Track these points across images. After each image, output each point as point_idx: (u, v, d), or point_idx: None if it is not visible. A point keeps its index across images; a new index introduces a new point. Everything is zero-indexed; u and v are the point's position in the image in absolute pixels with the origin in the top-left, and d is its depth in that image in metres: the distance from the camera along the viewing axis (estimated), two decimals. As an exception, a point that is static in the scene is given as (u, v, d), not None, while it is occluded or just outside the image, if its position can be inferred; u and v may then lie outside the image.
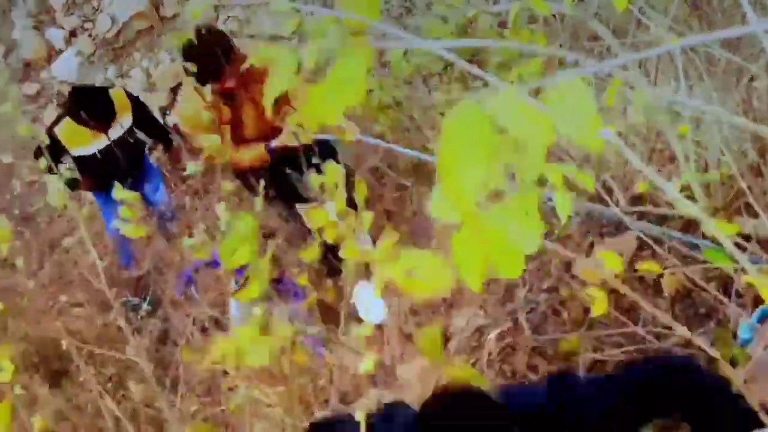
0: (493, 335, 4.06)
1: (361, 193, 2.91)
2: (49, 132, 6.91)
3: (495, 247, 1.18)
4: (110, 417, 3.59)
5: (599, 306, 2.31)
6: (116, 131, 7.00)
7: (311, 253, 2.92)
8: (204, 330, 4.95)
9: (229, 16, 10.79)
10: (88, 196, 8.13)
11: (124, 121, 7.03)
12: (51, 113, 10.93)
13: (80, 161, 6.74)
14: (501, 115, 1.13)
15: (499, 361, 4.00)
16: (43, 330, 5.59)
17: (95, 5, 11.45)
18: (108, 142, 6.95)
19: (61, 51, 11.39)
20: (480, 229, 1.18)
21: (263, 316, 2.24)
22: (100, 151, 6.94)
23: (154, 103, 10.48)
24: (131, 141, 7.09)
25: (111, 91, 7.07)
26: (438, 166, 1.15)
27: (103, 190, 6.99)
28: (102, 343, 5.83)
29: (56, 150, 6.69)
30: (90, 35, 11.32)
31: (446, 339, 4.67)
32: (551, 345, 3.77)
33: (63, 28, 11.48)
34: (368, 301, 5.69)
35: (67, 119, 6.91)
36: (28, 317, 6.12)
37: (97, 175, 6.91)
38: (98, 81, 11.00)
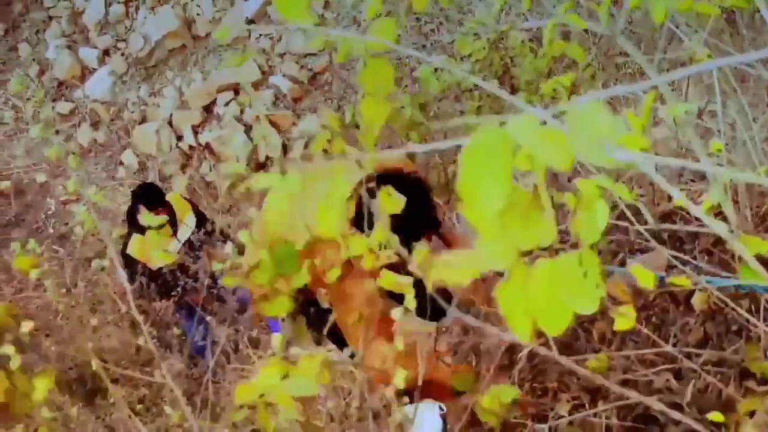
0: (524, 354, 4.04)
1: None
2: (123, 254, 6.85)
3: (544, 302, 1.18)
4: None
5: (623, 322, 2.28)
6: (184, 232, 6.93)
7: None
8: (236, 350, 4.94)
9: (261, 35, 10.83)
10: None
11: (188, 220, 6.97)
12: (84, 132, 11.00)
13: (153, 276, 6.63)
14: (520, 137, 1.13)
15: (530, 380, 3.97)
16: (77, 350, 5.61)
17: (128, 25, 11.53)
18: (180, 245, 6.85)
19: (94, 70, 11.47)
20: (529, 282, 1.17)
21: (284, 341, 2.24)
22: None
23: (187, 121, 10.54)
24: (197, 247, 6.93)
25: (168, 196, 7.01)
26: (459, 190, 1.14)
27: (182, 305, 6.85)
28: (134, 364, 5.85)
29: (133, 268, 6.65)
30: (123, 54, 11.40)
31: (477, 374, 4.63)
32: (581, 363, 3.75)
33: (96, 47, 11.56)
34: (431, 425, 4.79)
35: (135, 236, 6.84)
36: (61, 337, 6.14)
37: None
38: (131, 99, 11.07)
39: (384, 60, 1.81)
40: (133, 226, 6.84)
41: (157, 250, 6.51)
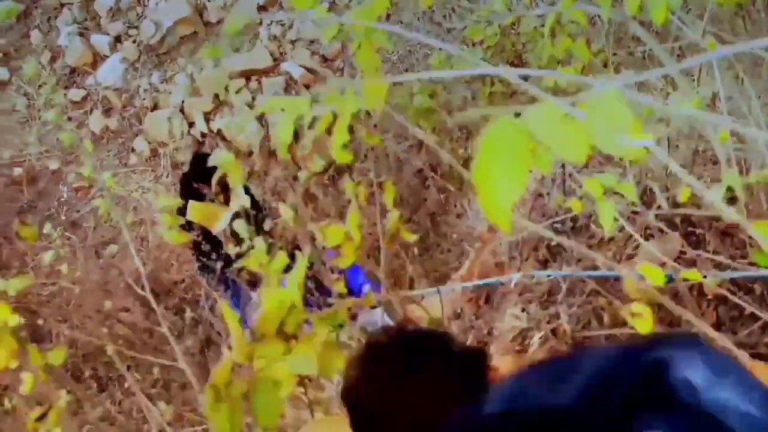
0: (536, 339, 4.05)
1: (389, 195, 2.91)
2: (187, 223, 6.81)
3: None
4: (155, 421, 3.60)
5: (643, 324, 2.27)
6: (236, 202, 6.93)
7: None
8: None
9: (272, 21, 10.82)
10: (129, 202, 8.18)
11: (239, 191, 6.97)
12: (97, 119, 11.01)
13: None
14: (537, 129, 1.13)
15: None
16: (90, 335, 5.63)
17: (139, 12, 11.52)
18: (232, 214, 6.84)
19: (106, 57, 11.46)
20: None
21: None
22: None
23: (199, 108, 10.54)
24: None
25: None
26: (474, 179, 1.15)
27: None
28: (147, 348, 5.87)
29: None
30: (134, 41, 11.39)
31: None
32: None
33: (108, 34, 11.54)
34: None
35: (191, 203, 6.90)
36: (74, 323, 6.17)
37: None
38: (143, 86, 11.07)
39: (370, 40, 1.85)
40: (187, 193, 6.95)
41: (216, 215, 6.61)
